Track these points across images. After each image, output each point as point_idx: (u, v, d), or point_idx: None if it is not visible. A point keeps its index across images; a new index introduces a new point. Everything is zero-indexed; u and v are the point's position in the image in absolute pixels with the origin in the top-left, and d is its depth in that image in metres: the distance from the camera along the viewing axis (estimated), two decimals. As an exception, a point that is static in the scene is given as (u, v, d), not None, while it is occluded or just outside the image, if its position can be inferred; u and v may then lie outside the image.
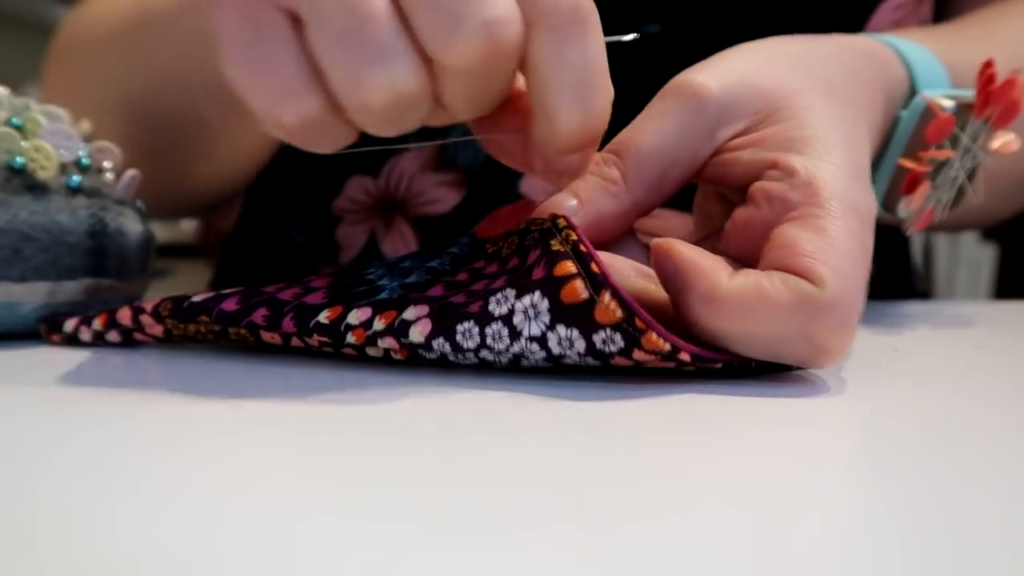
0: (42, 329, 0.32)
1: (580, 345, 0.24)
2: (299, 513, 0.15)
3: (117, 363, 0.28)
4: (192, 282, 0.68)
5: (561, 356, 0.24)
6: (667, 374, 0.26)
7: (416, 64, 0.24)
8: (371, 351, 0.26)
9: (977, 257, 1.74)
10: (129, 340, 0.30)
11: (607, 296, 0.23)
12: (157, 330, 0.30)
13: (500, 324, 0.24)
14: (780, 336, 0.24)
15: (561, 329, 0.24)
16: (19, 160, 0.32)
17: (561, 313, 0.24)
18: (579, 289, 0.23)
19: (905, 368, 0.28)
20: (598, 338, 0.23)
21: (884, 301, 0.43)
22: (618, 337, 0.23)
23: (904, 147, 0.35)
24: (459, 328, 0.25)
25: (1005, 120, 0.35)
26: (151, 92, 0.44)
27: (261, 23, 0.24)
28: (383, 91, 0.23)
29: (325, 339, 0.27)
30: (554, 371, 0.27)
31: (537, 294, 0.24)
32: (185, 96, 0.44)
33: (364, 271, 0.29)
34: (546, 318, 0.24)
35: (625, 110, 0.33)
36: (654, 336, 0.23)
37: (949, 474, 0.18)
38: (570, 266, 0.24)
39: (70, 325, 0.31)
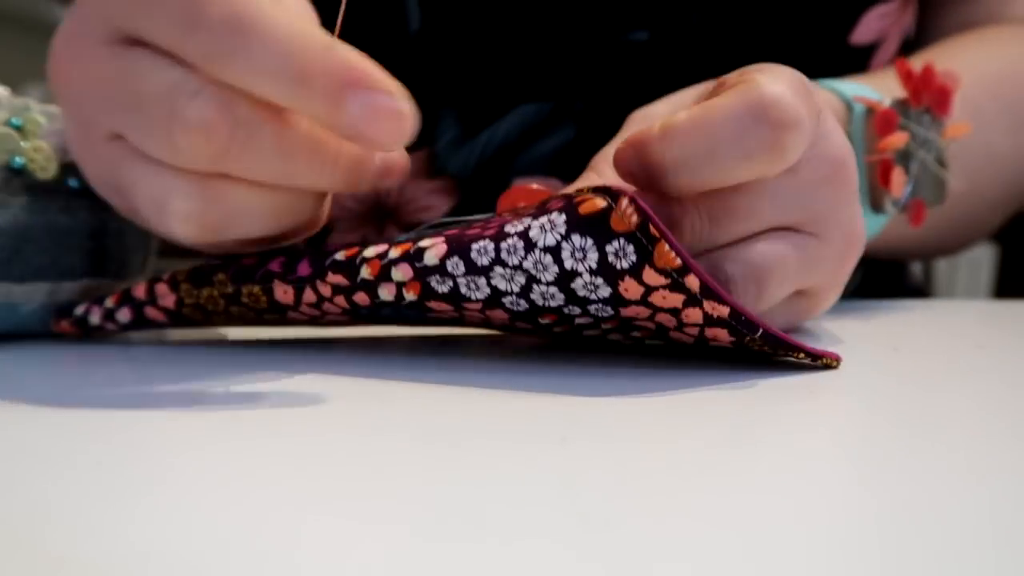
0: (52, 321, 0.31)
1: (592, 257, 0.23)
2: (299, 513, 0.15)
3: (117, 363, 0.28)
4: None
5: (573, 273, 0.24)
6: (666, 371, 0.26)
7: (212, 93, 0.24)
8: (383, 292, 0.26)
9: (977, 257, 1.74)
10: (140, 318, 0.30)
11: (624, 203, 0.23)
12: (169, 300, 0.29)
13: (516, 238, 0.24)
14: (740, 145, 0.25)
15: (576, 238, 0.23)
16: (19, 161, 0.31)
17: (577, 223, 0.24)
18: (598, 202, 0.24)
19: (905, 368, 0.28)
20: (611, 248, 0.23)
21: (884, 301, 0.43)
22: (631, 249, 0.23)
23: (864, 151, 0.37)
24: (475, 247, 0.25)
25: (943, 106, 0.39)
26: None
27: (110, 161, 0.27)
28: (194, 130, 0.24)
29: (341, 279, 0.26)
30: (554, 371, 0.27)
31: (555, 213, 0.24)
32: None
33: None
34: (562, 229, 0.24)
35: (616, 115, 0.33)
36: (666, 247, 0.23)
37: (949, 474, 0.18)
38: (590, 193, 0.24)
39: (81, 308, 0.31)
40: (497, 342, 0.32)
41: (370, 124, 0.24)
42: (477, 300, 0.25)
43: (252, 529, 0.15)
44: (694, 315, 0.25)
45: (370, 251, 0.26)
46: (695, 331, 0.25)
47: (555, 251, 0.24)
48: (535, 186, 0.31)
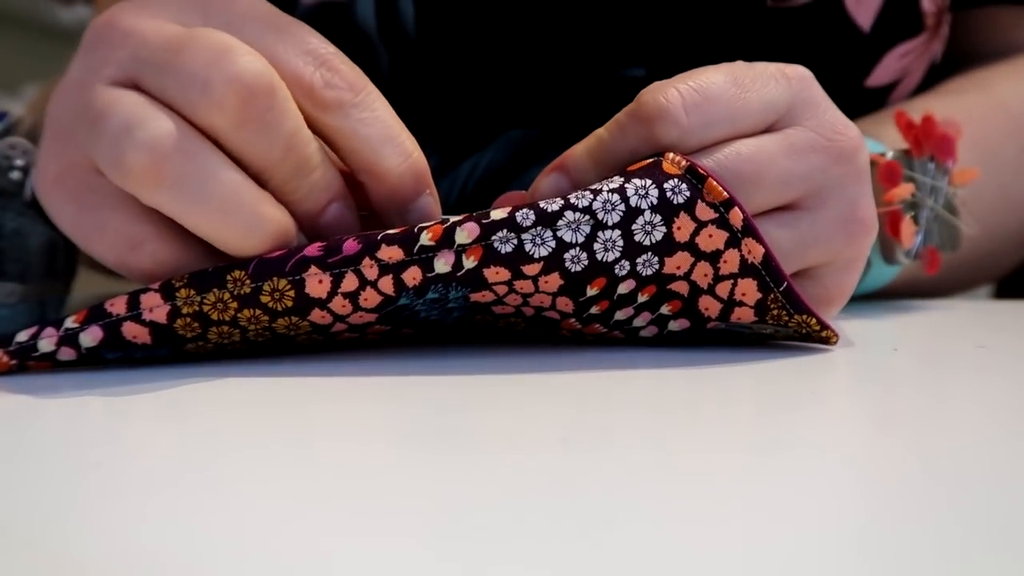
0: None
1: (654, 194, 0.26)
2: (298, 513, 0.15)
3: (117, 363, 0.28)
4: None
5: (637, 211, 0.26)
6: (666, 372, 0.26)
7: (168, 119, 0.25)
8: (440, 263, 0.25)
9: (977, 257, 1.74)
10: (112, 339, 0.26)
11: (671, 154, 0.27)
12: (160, 312, 0.26)
13: (581, 190, 0.26)
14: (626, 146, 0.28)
15: (637, 180, 0.26)
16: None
17: (631, 172, 0.26)
18: (642, 161, 0.27)
19: (905, 368, 0.28)
20: (668, 186, 0.26)
21: (884, 301, 0.43)
22: (684, 187, 0.26)
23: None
24: (541, 201, 0.26)
25: (946, 153, 0.39)
26: None
27: (79, 192, 0.27)
28: (141, 151, 0.24)
29: (397, 252, 0.25)
30: (554, 371, 0.27)
31: (606, 178, 0.27)
32: None
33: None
34: (619, 178, 0.26)
35: None
36: (714, 183, 0.26)
37: (950, 475, 0.18)
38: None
39: (26, 334, 0.26)
40: (497, 343, 0.32)
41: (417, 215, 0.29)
42: (538, 259, 0.25)
43: (252, 529, 0.15)
44: (731, 260, 0.27)
45: (427, 222, 0.26)
46: (725, 290, 0.27)
47: (621, 191, 0.26)
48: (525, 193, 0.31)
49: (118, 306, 0.26)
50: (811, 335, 0.29)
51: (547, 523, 0.15)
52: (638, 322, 0.29)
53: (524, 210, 0.25)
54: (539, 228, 0.25)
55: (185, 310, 0.26)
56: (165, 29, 0.26)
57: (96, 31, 0.27)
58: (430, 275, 0.25)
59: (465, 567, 0.13)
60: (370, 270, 0.25)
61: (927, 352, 0.32)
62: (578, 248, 0.26)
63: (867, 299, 0.43)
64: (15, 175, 0.33)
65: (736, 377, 0.26)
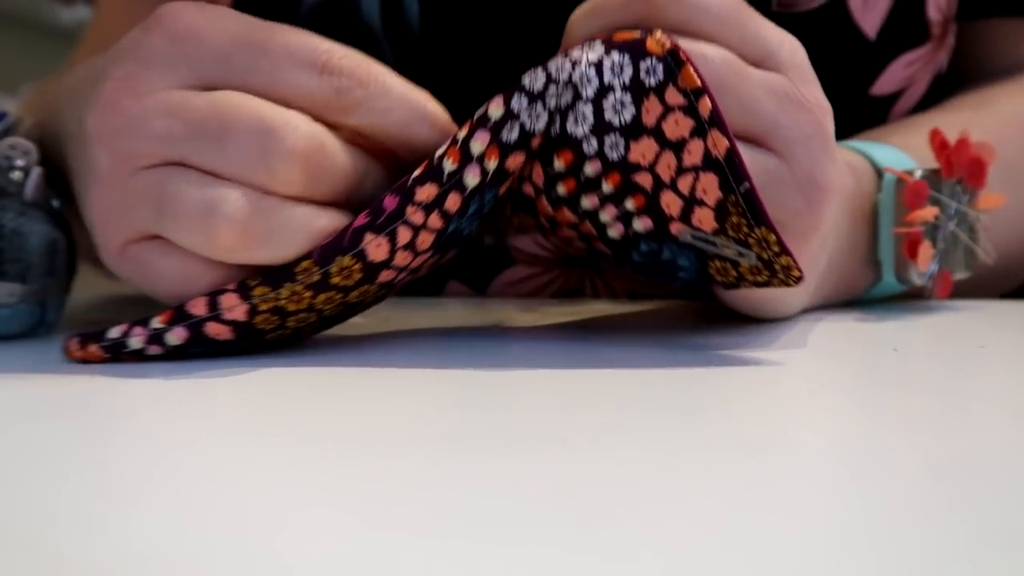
0: (71, 347, 0.28)
1: (627, 73, 0.27)
2: (298, 513, 0.15)
3: (116, 363, 0.28)
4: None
5: (608, 88, 0.27)
6: (666, 371, 0.26)
7: (237, 190, 0.27)
8: (469, 177, 0.27)
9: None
10: (197, 337, 0.28)
11: (658, 32, 0.27)
12: (240, 311, 0.27)
13: (561, 58, 0.27)
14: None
15: (615, 54, 0.27)
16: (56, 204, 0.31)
17: (614, 44, 0.27)
18: (629, 33, 0.27)
19: (905, 368, 0.28)
20: (644, 65, 0.27)
21: (883, 301, 0.43)
22: (660, 68, 0.26)
23: (892, 220, 0.38)
24: (524, 79, 0.27)
25: (977, 178, 0.39)
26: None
27: (154, 182, 0.27)
28: (230, 226, 0.26)
29: (431, 188, 0.27)
30: (554, 371, 0.27)
31: (587, 43, 0.28)
32: None
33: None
34: (600, 48, 0.27)
35: None
36: (690, 70, 0.26)
37: (950, 475, 0.18)
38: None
39: (117, 331, 0.28)
40: (497, 344, 0.32)
41: None
42: (539, 133, 0.27)
43: (252, 529, 0.15)
44: (695, 151, 0.27)
45: (440, 149, 0.27)
46: (687, 185, 0.27)
47: (598, 65, 0.27)
48: None
49: (198, 308, 0.28)
50: (773, 267, 0.28)
51: (546, 523, 0.15)
52: (604, 216, 0.29)
53: (515, 96, 0.27)
54: (532, 106, 0.27)
55: (263, 307, 0.27)
56: (186, 106, 0.27)
57: (107, 122, 0.28)
58: (466, 193, 0.27)
59: (464, 567, 0.13)
60: (416, 215, 0.27)
61: (927, 352, 0.32)
62: (564, 104, 0.27)
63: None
64: (15, 175, 0.33)
65: (736, 376, 0.26)
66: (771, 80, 0.29)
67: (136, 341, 0.28)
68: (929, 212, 0.37)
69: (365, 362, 0.28)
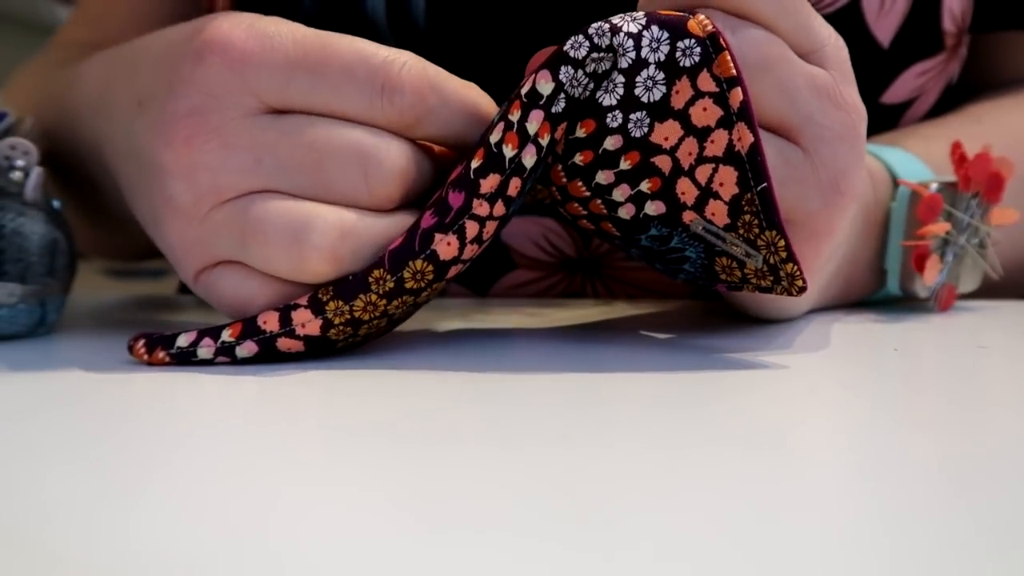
0: (137, 348, 0.28)
1: (664, 50, 0.26)
2: (298, 512, 0.15)
3: (116, 363, 0.28)
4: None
5: (644, 62, 0.26)
6: (666, 371, 0.26)
7: (324, 209, 0.27)
8: (527, 158, 0.27)
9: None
10: (268, 351, 0.27)
11: (702, 15, 0.26)
12: (314, 327, 0.27)
13: (601, 23, 0.26)
14: None
15: (655, 29, 0.26)
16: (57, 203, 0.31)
17: (656, 18, 0.26)
18: (674, 11, 0.27)
19: (905, 368, 0.28)
20: (681, 45, 0.26)
21: (883, 301, 0.43)
22: (697, 51, 0.26)
23: (903, 232, 0.38)
24: (566, 46, 0.26)
25: (994, 193, 0.38)
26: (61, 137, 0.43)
27: (237, 214, 0.28)
28: (320, 251, 0.27)
29: (494, 178, 0.26)
30: (554, 371, 0.27)
31: (630, 12, 0.27)
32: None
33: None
34: (642, 20, 0.26)
35: None
36: (728, 58, 0.26)
37: (950, 475, 0.18)
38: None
39: (187, 339, 0.28)
40: (497, 344, 0.32)
41: None
42: (579, 97, 0.27)
43: (251, 529, 0.15)
44: (719, 142, 0.27)
45: (494, 135, 0.27)
46: (705, 175, 0.27)
47: (636, 37, 0.26)
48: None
49: (271, 323, 0.27)
50: (778, 272, 0.28)
51: (547, 520, 0.15)
52: (617, 195, 0.29)
53: (563, 67, 0.26)
54: (576, 74, 0.26)
55: (337, 320, 0.27)
56: (265, 139, 0.27)
57: (182, 157, 0.28)
58: (525, 175, 0.27)
59: (464, 564, 0.13)
60: (481, 208, 0.27)
61: (928, 352, 0.32)
62: (591, 79, 0.26)
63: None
64: (16, 175, 0.33)
65: (736, 376, 0.26)
66: (814, 74, 0.28)
67: (205, 351, 0.28)
68: (941, 228, 0.36)
69: (366, 362, 0.28)
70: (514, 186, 0.27)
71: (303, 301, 0.27)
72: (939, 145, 0.41)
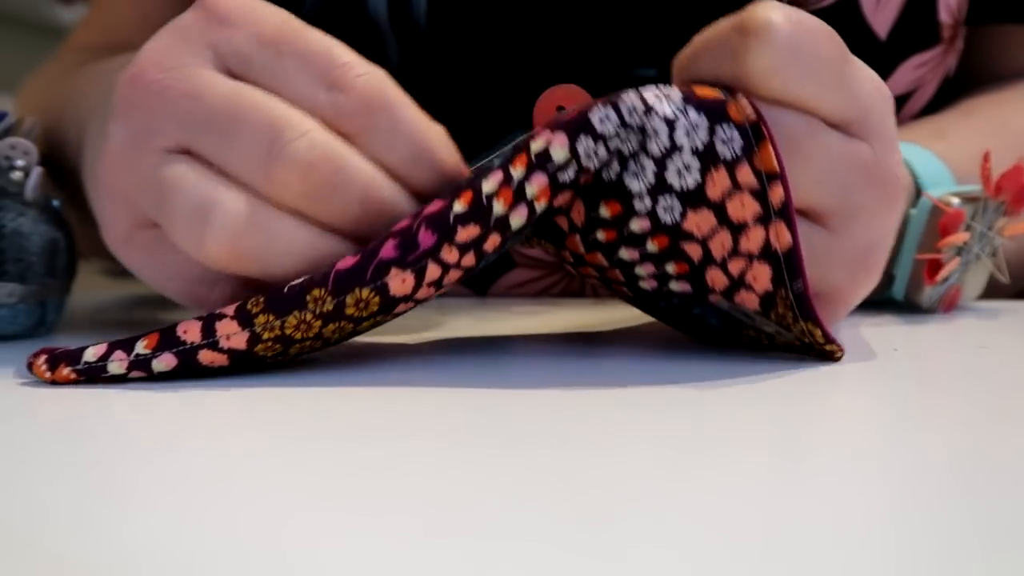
0: (37, 365, 0.25)
1: (701, 136, 0.24)
2: (298, 513, 0.15)
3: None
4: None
5: (678, 148, 0.24)
6: (666, 372, 0.26)
7: (319, 138, 0.25)
8: (515, 218, 0.24)
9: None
10: (187, 364, 0.25)
11: (742, 98, 0.24)
12: (239, 340, 0.25)
13: (635, 97, 0.24)
14: (717, 49, 0.26)
15: (692, 114, 0.24)
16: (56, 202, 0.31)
17: (693, 100, 0.25)
18: (712, 90, 0.25)
19: (905, 368, 0.28)
20: (720, 133, 0.24)
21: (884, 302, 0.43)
22: (738, 140, 0.24)
23: (918, 242, 0.37)
24: (593, 116, 0.24)
25: (1019, 205, 0.38)
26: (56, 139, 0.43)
27: (150, 247, 0.28)
28: (218, 234, 0.25)
29: (474, 229, 0.24)
30: (554, 372, 0.27)
31: (664, 87, 0.25)
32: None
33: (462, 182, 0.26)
34: (679, 102, 0.24)
35: None
36: (770, 150, 0.24)
37: (950, 475, 0.18)
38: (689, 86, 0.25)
39: (94, 353, 0.25)
40: (498, 342, 0.32)
41: None
42: (592, 170, 0.25)
43: (251, 529, 0.15)
44: (755, 239, 0.25)
45: (488, 185, 0.24)
46: (738, 268, 0.26)
47: (671, 123, 0.24)
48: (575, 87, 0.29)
49: (191, 333, 0.25)
50: (813, 346, 0.27)
51: (547, 521, 0.15)
52: (640, 270, 0.27)
53: (581, 137, 0.24)
54: (596, 147, 0.24)
55: (266, 335, 0.25)
56: (205, 90, 0.26)
57: (130, 94, 0.27)
58: (508, 233, 0.25)
59: (464, 565, 0.13)
60: (450, 254, 0.25)
61: (928, 352, 0.32)
62: (628, 150, 0.25)
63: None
64: (16, 175, 0.33)
65: (736, 376, 0.26)
66: (854, 152, 0.26)
67: (117, 366, 0.25)
68: (960, 238, 0.36)
69: (364, 362, 0.28)
70: (492, 242, 0.25)
71: (229, 311, 0.25)
72: (961, 146, 0.41)
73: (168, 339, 0.25)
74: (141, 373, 0.25)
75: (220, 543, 0.14)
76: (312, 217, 0.26)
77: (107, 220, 0.29)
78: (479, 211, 0.24)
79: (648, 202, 0.25)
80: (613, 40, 0.44)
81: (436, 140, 0.27)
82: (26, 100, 0.54)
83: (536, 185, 0.24)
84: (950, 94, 0.50)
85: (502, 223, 0.24)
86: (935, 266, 0.37)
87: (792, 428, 0.21)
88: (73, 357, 0.25)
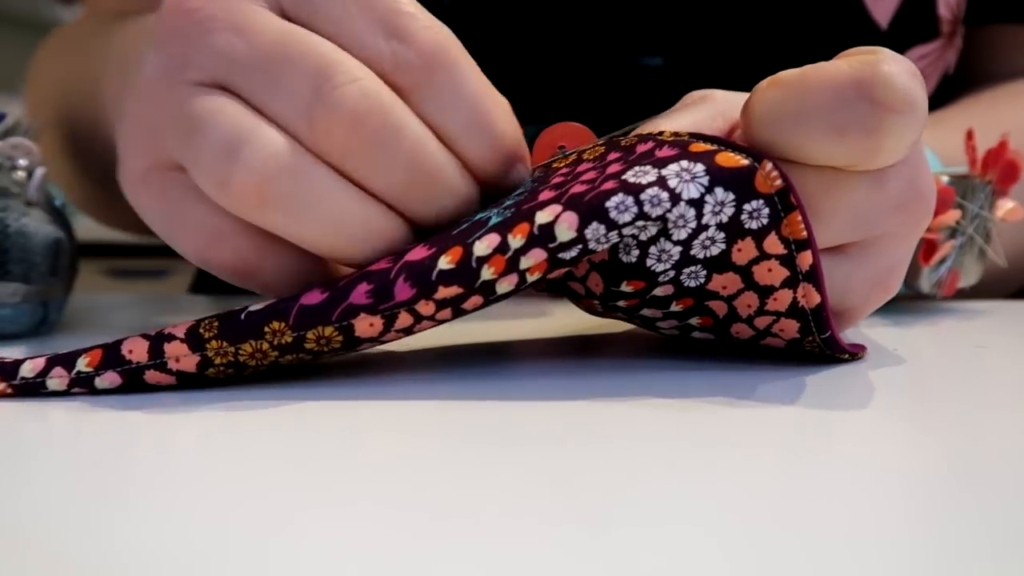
0: None
1: (728, 212, 0.23)
2: (298, 513, 0.15)
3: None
4: (189, 282, 0.68)
5: (704, 228, 0.23)
6: (666, 372, 0.26)
7: (371, 87, 0.23)
8: (503, 285, 0.23)
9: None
10: (132, 384, 0.24)
11: (768, 165, 0.23)
12: (189, 362, 0.24)
13: (657, 188, 0.22)
14: (833, 116, 0.23)
15: (719, 192, 0.23)
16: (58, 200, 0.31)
17: (720, 176, 0.23)
18: (736, 156, 0.23)
19: (905, 368, 0.28)
20: (748, 207, 0.23)
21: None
22: (766, 212, 0.23)
23: None
24: (610, 204, 0.22)
25: (1007, 182, 0.38)
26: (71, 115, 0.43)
27: (164, 189, 0.25)
28: (247, 173, 0.23)
29: (456, 289, 0.23)
30: (554, 373, 0.27)
31: (685, 161, 0.23)
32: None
33: (454, 224, 0.25)
34: (704, 180, 0.23)
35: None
36: (798, 218, 0.23)
37: (949, 475, 0.18)
38: (706, 145, 0.23)
39: (32, 368, 0.24)
40: (498, 343, 0.32)
41: (508, 187, 0.26)
42: (594, 250, 0.23)
43: (251, 529, 0.15)
44: (782, 300, 0.24)
45: (481, 247, 0.23)
46: (764, 323, 0.25)
47: (698, 204, 0.23)
48: (577, 125, 0.28)
49: (138, 352, 0.24)
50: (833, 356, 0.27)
51: (546, 521, 0.15)
52: (662, 324, 0.27)
53: (593, 224, 0.22)
54: (612, 232, 0.23)
55: (218, 360, 0.24)
56: (254, 26, 0.24)
57: (170, 22, 0.25)
58: (492, 297, 0.24)
59: (464, 566, 0.13)
60: (426, 307, 0.23)
61: (927, 352, 0.32)
62: (647, 237, 0.23)
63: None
64: (18, 175, 0.33)
65: (737, 376, 0.26)
66: (884, 190, 0.25)
67: (57, 383, 0.24)
68: (951, 216, 0.36)
69: (363, 366, 0.28)
70: (473, 303, 0.24)
71: (179, 332, 0.24)
72: (943, 132, 0.41)
73: (112, 357, 0.24)
74: (83, 390, 0.24)
75: (221, 543, 0.14)
76: (351, 175, 0.23)
77: (126, 154, 0.26)
78: (465, 273, 0.23)
79: (672, 275, 0.24)
80: (618, 29, 0.44)
81: (499, 111, 0.25)
82: (42, 63, 0.53)
83: (533, 259, 0.23)
84: (948, 94, 0.50)
85: (487, 288, 0.23)
86: (930, 248, 0.37)
87: (792, 429, 0.21)
88: (8, 371, 0.24)
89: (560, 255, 0.23)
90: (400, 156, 0.23)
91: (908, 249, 0.27)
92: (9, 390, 0.24)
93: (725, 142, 0.23)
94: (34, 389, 0.24)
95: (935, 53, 0.47)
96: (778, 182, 0.23)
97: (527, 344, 0.32)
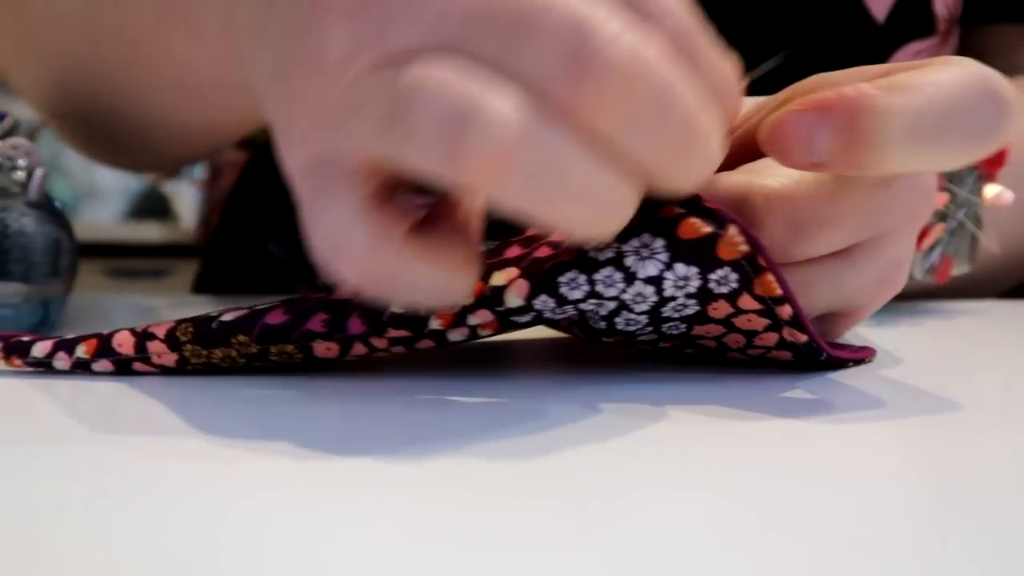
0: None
1: (694, 284, 0.22)
2: (297, 513, 0.15)
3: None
4: (191, 282, 0.68)
5: (669, 299, 0.23)
6: (666, 373, 0.26)
7: (513, 96, 0.19)
8: (454, 335, 0.24)
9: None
10: (124, 370, 0.26)
11: (732, 230, 0.22)
12: (169, 359, 0.26)
13: (611, 268, 0.22)
14: (973, 122, 0.22)
15: (679, 268, 0.22)
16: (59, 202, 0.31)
17: (679, 250, 0.22)
18: (697, 224, 0.22)
19: (905, 368, 0.28)
20: (714, 277, 0.22)
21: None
22: (734, 277, 0.22)
23: None
24: (562, 280, 0.22)
25: (994, 166, 0.38)
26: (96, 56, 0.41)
27: (321, 188, 0.21)
28: (486, 143, 0.18)
29: (402, 332, 0.24)
30: (555, 374, 0.27)
31: (646, 235, 0.22)
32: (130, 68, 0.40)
33: None
34: (663, 256, 0.22)
35: None
36: (770, 278, 0.22)
37: (949, 475, 0.18)
38: (675, 208, 0.22)
39: (42, 349, 0.27)
40: (497, 345, 0.32)
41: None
42: (558, 319, 0.24)
43: (251, 529, 0.15)
44: (768, 340, 0.25)
45: None
46: (756, 353, 0.26)
47: (657, 281, 0.22)
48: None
49: (125, 347, 0.26)
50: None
51: (546, 522, 0.15)
52: (663, 345, 0.27)
53: (542, 297, 0.22)
54: (561, 306, 0.23)
55: (194, 360, 0.26)
56: None
57: None
58: (444, 342, 0.24)
59: (465, 566, 0.13)
60: (379, 342, 0.24)
61: (926, 352, 0.32)
62: (605, 313, 0.24)
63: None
64: (19, 175, 0.33)
65: (736, 378, 0.26)
66: (892, 195, 0.25)
67: (62, 363, 0.26)
68: (940, 199, 0.36)
69: (363, 367, 0.28)
70: (425, 344, 0.24)
71: (160, 332, 0.26)
72: None
73: (105, 347, 0.26)
74: (83, 371, 0.27)
75: (220, 543, 0.14)
76: (609, 149, 0.20)
77: (293, 140, 0.22)
78: (413, 321, 0.23)
79: (651, 331, 0.25)
80: None
81: (733, 78, 0.22)
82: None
83: (481, 318, 0.23)
84: None
85: (438, 335, 0.24)
86: (921, 233, 0.37)
87: (792, 429, 0.21)
88: (24, 349, 0.27)
89: (512, 319, 0.23)
90: (674, 127, 0.20)
91: (911, 242, 0.27)
92: (24, 366, 0.27)
93: (695, 205, 0.22)
94: (43, 366, 0.27)
95: (932, 50, 0.48)
96: (743, 247, 0.22)
97: (527, 344, 0.32)
